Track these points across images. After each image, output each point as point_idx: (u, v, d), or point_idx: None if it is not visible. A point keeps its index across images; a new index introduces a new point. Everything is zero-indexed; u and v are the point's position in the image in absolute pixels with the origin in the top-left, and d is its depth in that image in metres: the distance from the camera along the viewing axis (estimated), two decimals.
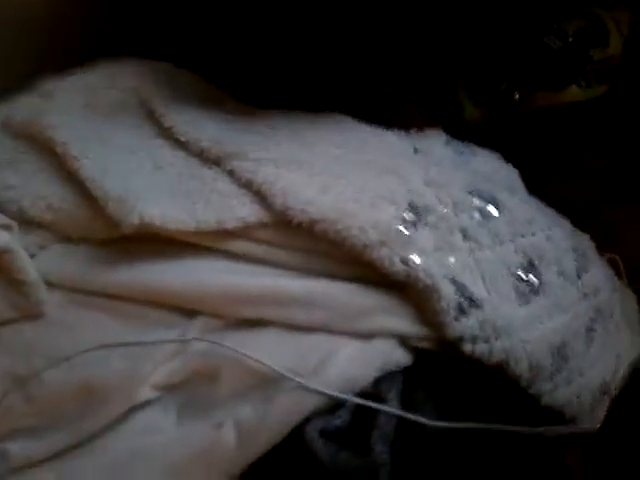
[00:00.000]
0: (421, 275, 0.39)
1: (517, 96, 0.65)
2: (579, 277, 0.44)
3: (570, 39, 0.64)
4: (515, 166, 0.55)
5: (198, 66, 0.54)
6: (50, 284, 0.41)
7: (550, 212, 0.50)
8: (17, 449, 0.38)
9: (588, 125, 0.66)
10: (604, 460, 0.42)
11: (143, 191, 0.41)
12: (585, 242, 0.49)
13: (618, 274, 0.55)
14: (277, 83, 0.53)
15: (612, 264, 0.55)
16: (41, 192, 0.43)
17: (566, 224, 0.50)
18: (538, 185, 0.55)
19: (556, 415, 0.43)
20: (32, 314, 0.41)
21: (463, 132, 0.63)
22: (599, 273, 0.46)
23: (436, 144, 0.49)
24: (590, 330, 0.45)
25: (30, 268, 0.41)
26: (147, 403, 0.39)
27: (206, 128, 0.45)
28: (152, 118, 0.46)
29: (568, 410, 0.43)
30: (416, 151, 0.47)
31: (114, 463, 0.37)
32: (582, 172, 0.66)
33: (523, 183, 0.52)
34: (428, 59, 0.64)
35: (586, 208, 0.64)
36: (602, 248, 0.54)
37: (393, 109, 0.56)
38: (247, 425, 0.37)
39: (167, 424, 0.39)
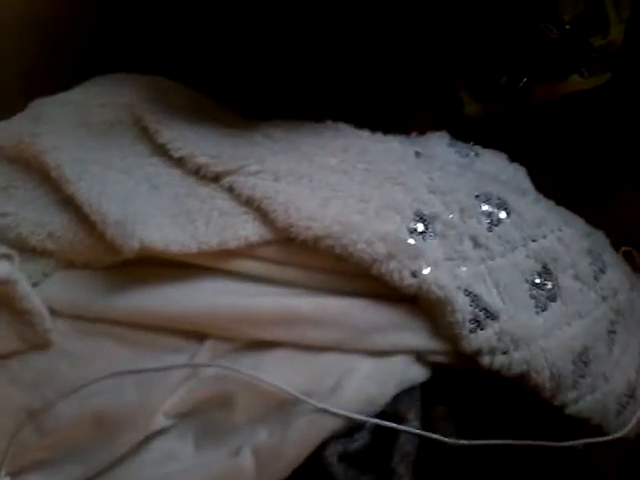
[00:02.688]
0: (433, 288, 0.37)
1: (521, 84, 0.63)
2: (597, 279, 0.43)
3: (567, 27, 0.62)
4: (521, 163, 0.54)
5: (193, 78, 0.53)
6: (56, 312, 0.40)
7: (561, 211, 0.49)
8: None
9: (594, 114, 0.64)
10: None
11: (142, 214, 0.40)
12: (600, 240, 0.48)
13: (634, 267, 0.54)
14: (274, 92, 0.52)
15: (627, 257, 0.54)
16: (40, 220, 0.41)
17: (578, 222, 0.48)
18: (545, 180, 0.53)
19: (580, 421, 0.41)
20: (39, 344, 0.40)
21: (464, 129, 0.62)
22: (616, 273, 0.45)
23: (439, 146, 0.47)
24: (611, 332, 0.44)
25: (34, 297, 0.40)
26: (163, 431, 0.39)
27: (201, 143, 0.43)
28: (146, 135, 0.45)
29: (594, 418, 0.42)
30: (418, 155, 0.46)
31: None
32: (590, 162, 0.65)
33: (530, 181, 0.50)
34: (425, 56, 0.62)
35: (596, 199, 0.62)
36: (616, 240, 0.53)
37: (394, 111, 0.55)
38: (265, 451, 0.37)
39: (184, 452, 0.38)
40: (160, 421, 0.38)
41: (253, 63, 0.53)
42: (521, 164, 0.54)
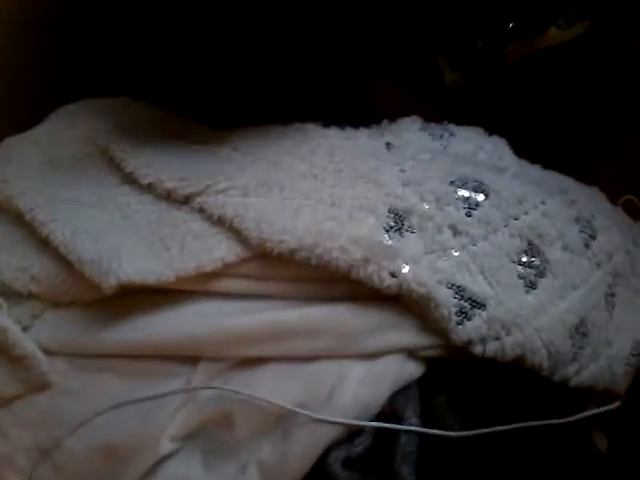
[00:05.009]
0: (414, 286, 0.37)
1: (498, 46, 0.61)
2: (588, 247, 0.42)
3: None
4: (503, 131, 0.52)
5: (156, 92, 0.52)
6: (50, 352, 0.41)
7: (548, 178, 0.47)
8: None
9: (578, 64, 0.62)
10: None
11: (115, 249, 0.40)
12: (591, 201, 0.46)
13: (637, 216, 0.52)
14: (239, 99, 0.51)
15: (628, 205, 0.52)
16: (21, 264, 0.42)
17: (567, 187, 0.47)
18: (530, 145, 0.52)
19: (583, 394, 0.41)
20: (40, 386, 0.40)
21: (446, 100, 0.61)
22: (610, 235, 0.44)
23: (411, 133, 0.46)
24: (609, 296, 0.43)
25: (26, 342, 0.40)
26: (170, 455, 0.39)
27: (168, 166, 0.43)
28: (113, 165, 0.45)
29: (600, 384, 0.41)
30: (389, 147, 0.44)
31: None
32: (581, 111, 0.63)
33: (512, 152, 0.49)
34: (401, 30, 0.61)
35: (591, 147, 0.61)
36: (614, 188, 0.51)
37: (365, 100, 0.54)
38: (269, 465, 0.37)
39: (194, 473, 0.39)
40: (166, 446, 0.39)
41: (213, 72, 0.52)
42: (504, 132, 0.52)
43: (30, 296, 0.42)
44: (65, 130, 0.48)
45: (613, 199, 0.51)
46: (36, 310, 0.42)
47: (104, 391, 0.40)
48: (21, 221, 0.43)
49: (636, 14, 0.59)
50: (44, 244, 0.42)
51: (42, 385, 0.40)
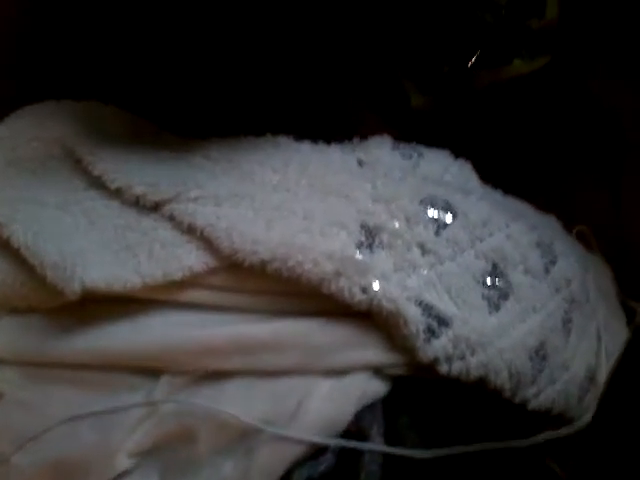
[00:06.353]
0: (384, 302, 0.37)
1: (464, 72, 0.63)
2: (547, 272, 0.43)
3: (503, 12, 0.62)
4: (468, 155, 0.53)
5: (127, 99, 0.51)
6: (4, 361, 0.39)
7: (509, 203, 0.49)
8: None
9: (536, 97, 0.65)
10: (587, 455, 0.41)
11: (80, 253, 0.38)
12: (549, 229, 0.48)
13: (589, 246, 0.54)
14: (210, 108, 0.51)
15: (581, 236, 0.54)
16: None
17: (527, 212, 0.49)
18: (493, 170, 0.53)
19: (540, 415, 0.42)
20: None
21: (412, 123, 0.62)
22: (568, 261, 0.45)
23: (382, 151, 0.47)
24: (567, 322, 0.44)
25: None
26: (126, 473, 0.38)
27: (138, 172, 0.42)
28: (80, 168, 0.44)
29: (556, 408, 0.42)
30: (361, 164, 0.45)
31: None
32: (537, 147, 0.65)
33: (476, 175, 0.50)
34: (368, 53, 0.62)
35: (545, 183, 0.63)
36: (568, 221, 0.53)
37: (337, 116, 0.54)
38: None
39: None
40: (123, 462, 0.37)
41: (186, 80, 0.52)
42: (468, 156, 0.53)
43: None
44: (29, 130, 0.46)
45: (566, 229, 0.53)
46: None
47: (58, 403, 0.38)
48: None
49: (596, 54, 0.62)
50: (4, 246, 0.40)
51: None
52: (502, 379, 0.38)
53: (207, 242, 0.39)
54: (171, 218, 0.40)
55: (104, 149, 0.44)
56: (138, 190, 0.41)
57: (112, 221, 0.41)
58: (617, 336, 0.48)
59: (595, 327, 0.47)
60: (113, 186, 0.41)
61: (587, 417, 0.43)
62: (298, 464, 0.37)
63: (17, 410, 0.38)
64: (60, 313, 0.39)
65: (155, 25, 0.54)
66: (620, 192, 0.59)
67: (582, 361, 0.44)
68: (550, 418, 0.42)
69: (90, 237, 0.40)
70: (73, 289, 0.37)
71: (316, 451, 0.37)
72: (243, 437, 0.37)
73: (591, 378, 0.45)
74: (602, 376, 0.45)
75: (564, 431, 0.41)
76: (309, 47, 0.57)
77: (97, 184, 0.43)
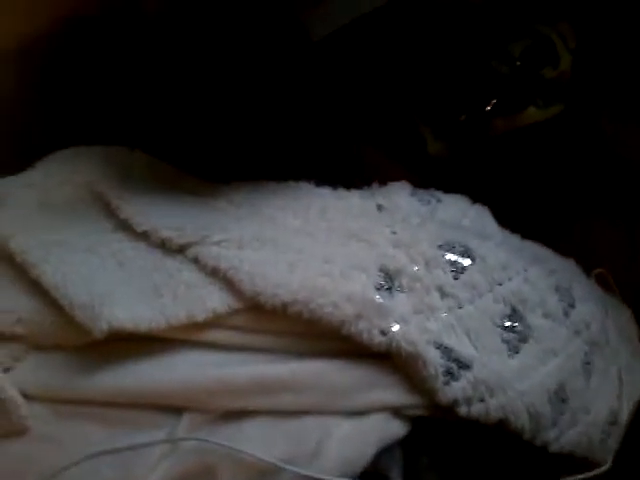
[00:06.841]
0: (403, 344, 0.37)
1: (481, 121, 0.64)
2: (567, 315, 0.43)
3: (518, 63, 0.64)
4: (485, 200, 0.54)
5: (152, 145, 0.53)
6: (30, 397, 0.40)
7: (528, 247, 0.49)
8: None
9: (550, 145, 0.66)
10: None
11: (108, 294, 0.40)
12: (568, 272, 0.48)
13: (608, 288, 0.54)
14: (234, 155, 0.53)
15: (600, 279, 0.55)
16: (9, 307, 0.41)
17: (546, 256, 0.49)
18: (510, 215, 0.54)
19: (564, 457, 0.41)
20: (16, 431, 0.39)
21: (429, 169, 0.63)
22: (587, 305, 0.45)
23: (401, 197, 0.48)
24: (587, 364, 0.44)
25: (6, 385, 0.39)
26: None
27: (164, 216, 0.43)
28: (108, 211, 0.45)
29: (578, 451, 0.42)
30: (380, 208, 0.46)
31: None
32: (553, 191, 0.66)
33: (494, 220, 0.51)
34: (387, 102, 0.63)
35: (563, 226, 0.63)
36: (588, 264, 0.53)
37: (356, 163, 0.56)
38: None
39: None
40: None
41: (211, 128, 0.53)
42: (485, 201, 0.54)
43: (13, 338, 0.41)
44: (60, 174, 0.48)
45: (585, 272, 0.54)
46: (18, 352, 0.41)
47: (82, 439, 0.39)
48: (12, 262, 0.42)
49: (609, 99, 0.63)
50: (34, 286, 0.41)
51: (18, 430, 0.39)
52: (522, 421, 0.39)
53: (230, 284, 0.40)
54: (195, 261, 0.41)
55: (131, 194, 0.45)
56: (164, 234, 0.42)
57: (138, 262, 0.42)
58: (639, 378, 0.47)
59: (616, 369, 0.47)
60: (139, 229, 0.43)
61: (608, 461, 0.43)
62: None
63: (42, 445, 0.39)
64: (85, 351, 0.40)
65: (180, 73, 0.56)
66: (637, 233, 0.60)
67: (604, 404, 0.44)
68: (573, 461, 0.42)
69: (117, 278, 0.41)
70: (100, 328, 0.38)
71: None
72: (262, 476, 0.37)
73: (613, 422, 0.45)
74: (624, 419, 0.45)
75: (583, 476, 0.40)
76: (330, 96, 0.59)
77: (124, 227, 0.44)
